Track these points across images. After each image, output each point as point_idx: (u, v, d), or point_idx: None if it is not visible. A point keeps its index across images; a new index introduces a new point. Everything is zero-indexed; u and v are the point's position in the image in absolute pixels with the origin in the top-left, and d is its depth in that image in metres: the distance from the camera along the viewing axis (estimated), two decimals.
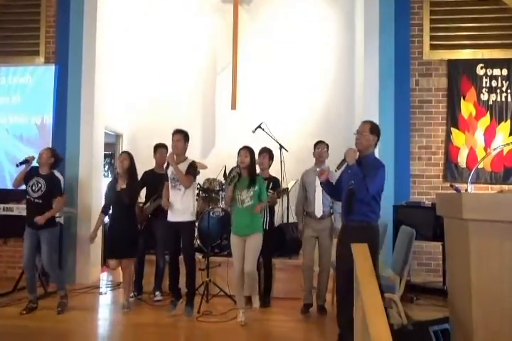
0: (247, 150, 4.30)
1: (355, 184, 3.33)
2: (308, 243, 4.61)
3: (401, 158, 5.32)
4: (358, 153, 3.43)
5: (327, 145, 4.71)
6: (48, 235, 4.48)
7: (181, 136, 4.39)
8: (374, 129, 3.48)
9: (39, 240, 4.47)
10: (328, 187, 3.74)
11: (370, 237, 3.31)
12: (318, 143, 4.71)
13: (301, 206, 4.74)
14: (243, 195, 4.24)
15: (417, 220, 4.31)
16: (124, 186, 4.54)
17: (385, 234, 4.41)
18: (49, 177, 4.57)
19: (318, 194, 4.57)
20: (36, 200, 4.47)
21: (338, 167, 3.50)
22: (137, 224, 4.76)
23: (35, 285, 4.63)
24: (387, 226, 4.47)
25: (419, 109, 5.47)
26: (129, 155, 4.68)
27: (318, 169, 4.61)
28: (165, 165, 4.55)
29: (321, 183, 3.75)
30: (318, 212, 4.58)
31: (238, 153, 4.30)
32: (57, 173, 5.18)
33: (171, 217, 4.39)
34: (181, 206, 4.34)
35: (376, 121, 5.28)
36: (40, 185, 4.49)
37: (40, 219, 4.39)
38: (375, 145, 3.52)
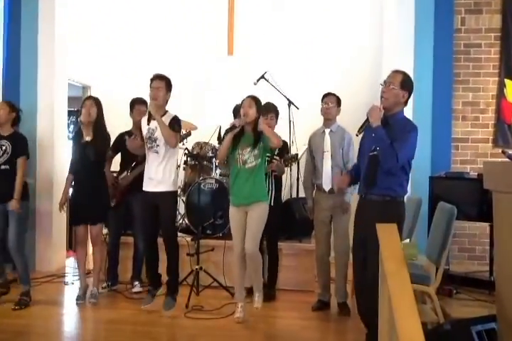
0: (253, 99, 4.20)
1: (380, 150, 3.28)
2: (320, 225, 4.60)
3: (440, 117, 5.28)
4: (382, 112, 3.35)
5: (337, 99, 4.62)
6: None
7: (162, 83, 4.28)
8: (406, 83, 3.40)
9: (7, 216, 4.51)
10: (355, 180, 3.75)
11: (393, 215, 3.30)
12: (326, 96, 4.63)
13: (309, 177, 4.71)
14: (245, 154, 4.17)
15: (459, 195, 4.30)
16: (88, 138, 4.52)
17: (418, 211, 4.40)
18: (14, 137, 4.59)
19: (327, 161, 4.54)
20: (3, 166, 4.49)
21: (360, 131, 3.46)
22: (107, 185, 4.79)
23: (4, 268, 4.77)
24: (421, 202, 4.46)
25: (465, 55, 5.39)
26: (95, 101, 4.65)
27: (324, 129, 4.61)
28: (144, 119, 4.46)
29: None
30: (327, 183, 4.54)
31: (241, 104, 4.22)
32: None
33: (147, 187, 4.35)
34: (159, 173, 4.29)
35: (410, 70, 5.32)
36: (4, 148, 4.51)
37: (14, 205, 4.43)
38: (405, 103, 3.46)
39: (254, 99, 4.21)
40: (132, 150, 4.59)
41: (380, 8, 6.47)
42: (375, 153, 3.35)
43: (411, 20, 5.28)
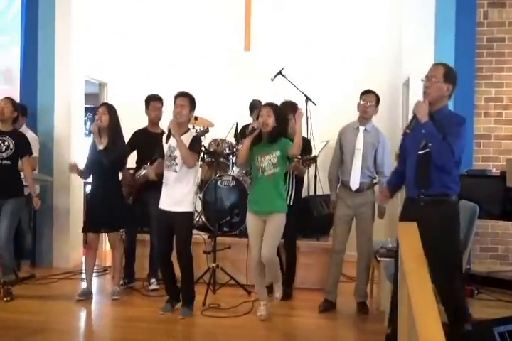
0: (271, 108, 4.12)
1: (433, 146, 3.14)
2: (341, 221, 4.52)
3: (462, 113, 4.96)
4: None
5: (377, 98, 4.49)
6: (13, 206, 4.57)
7: (186, 101, 4.21)
8: (449, 75, 3.27)
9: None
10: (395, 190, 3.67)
11: (452, 216, 3.20)
12: (365, 93, 4.49)
13: (335, 171, 4.61)
14: (264, 162, 4.15)
15: (481, 193, 4.25)
16: (101, 147, 4.55)
17: None
18: (15, 135, 4.67)
19: (357, 159, 4.43)
20: (5, 161, 4.55)
21: (409, 127, 3.29)
22: (122, 192, 4.81)
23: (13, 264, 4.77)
24: None
25: (488, 49, 5.29)
26: (109, 108, 4.66)
27: (359, 126, 4.51)
28: (164, 136, 4.44)
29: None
30: (354, 183, 4.44)
31: (258, 113, 4.18)
32: (30, 133, 5.24)
33: (164, 205, 4.29)
34: (177, 193, 4.21)
35: (429, 66, 5.26)
36: (7, 143, 4.57)
37: (37, 202, 4.64)
38: (450, 96, 3.34)
39: (273, 108, 4.14)
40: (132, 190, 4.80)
41: (399, 2, 6.42)
42: (427, 150, 3.19)
43: (431, 14, 5.20)
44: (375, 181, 4.54)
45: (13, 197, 4.57)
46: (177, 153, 4.17)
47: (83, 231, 4.77)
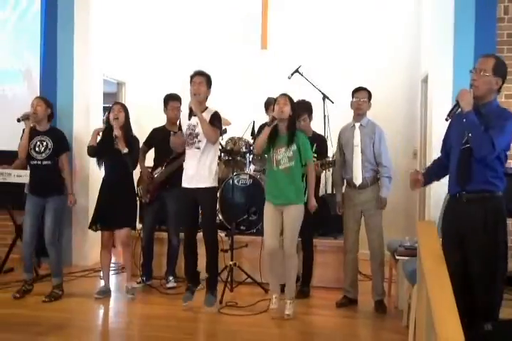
0: (287, 97, 4.24)
1: (473, 137, 2.99)
2: (350, 221, 4.55)
3: None
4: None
5: (368, 94, 4.55)
6: (56, 204, 4.66)
7: (203, 79, 4.33)
8: (499, 68, 3.10)
9: (44, 211, 4.64)
10: (432, 178, 3.46)
11: (496, 213, 3.03)
12: (357, 91, 4.56)
13: (339, 172, 4.68)
14: (279, 154, 4.20)
15: (505, 191, 4.14)
16: (126, 150, 4.54)
17: None
18: (52, 133, 4.73)
19: (357, 155, 4.47)
20: (45, 162, 4.62)
21: (450, 115, 3.13)
22: (134, 190, 4.84)
23: (33, 264, 4.83)
24: None
25: (509, 45, 5.20)
26: (123, 107, 4.71)
27: (355, 124, 4.55)
28: (181, 117, 4.48)
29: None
30: (357, 178, 4.47)
31: (275, 101, 4.25)
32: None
33: (187, 183, 4.36)
34: (200, 169, 4.30)
35: (450, 62, 5.23)
36: (45, 143, 4.63)
37: (73, 200, 4.84)
38: (499, 90, 3.16)
39: (289, 97, 4.24)
40: (174, 148, 4.60)
41: None
42: (468, 145, 3.06)
43: (450, 10, 5.15)
44: (378, 176, 4.53)
45: (55, 195, 4.65)
46: (198, 130, 4.28)
47: (90, 227, 4.74)
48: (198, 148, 4.30)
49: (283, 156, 4.19)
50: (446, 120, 3.17)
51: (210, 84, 4.39)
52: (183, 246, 4.52)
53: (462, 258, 3.06)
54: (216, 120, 4.33)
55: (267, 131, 4.18)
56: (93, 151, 4.67)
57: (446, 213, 3.33)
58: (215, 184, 4.39)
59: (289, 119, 4.21)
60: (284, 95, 4.25)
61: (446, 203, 3.38)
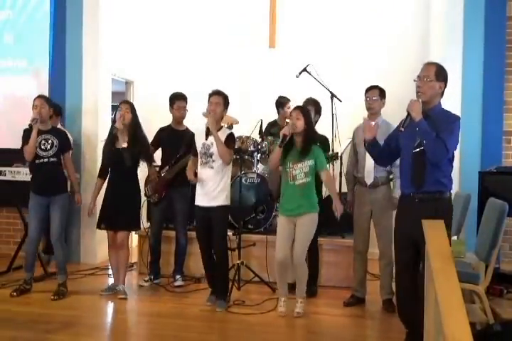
0: (300, 111, 4.23)
1: (427, 144, 3.21)
2: (360, 220, 4.56)
3: (491, 109, 5.11)
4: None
5: (381, 92, 4.54)
6: (62, 202, 4.67)
7: (221, 99, 4.35)
8: (440, 73, 3.34)
9: (49, 209, 4.65)
10: (374, 148, 3.59)
11: (445, 212, 3.25)
12: (369, 90, 4.56)
13: (351, 171, 4.70)
14: (296, 170, 4.22)
15: (510, 191, 4.15)
16: (125, 145, 4.56)
17: (467, 207, 4.30)
18: (55, 132, 4.76)
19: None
20: (52, 159, 4.65)
21: (403, 125, 3.34)
22: (140, 192, 4.80)
23: (35, 263, 4.82)
24: (470, 198, 4.35)
25: None
26: (131, 106, 4.69)
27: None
28: (203, 134, 4.46)
29: (364, 143, 3.58)
30: (369, 177, 4.48)
31: (284, 105, 4.24)
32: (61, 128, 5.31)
33: (200, 201, 4.38)
34: (214, 187, 4.31)
35: (459, 61, 5.20)
36: (50, 141, 4.65)
37: (79, 198, 4.91)
38: (442, 94, 3.39)
39: (302, 110, 4.25)
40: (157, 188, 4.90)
41: None
42: (421, 148, 3.26)
43: (460, 8, 5.13)
44: (390, 177, 4.52)
45: (61, 193, 4.67)
46: (213, 149, 4.29)
47: (97, 227, 4.74)
48: (212, 168, 4.32)
49: (300, 172, 4.20)
50: (400, 131, 3.39)
51: (227, 104, 4.41)
52: (203, 261, 4.52)
53: (412, 258, 3.33)
54: (231, 141, 4.36)
55: (278, 151, 4.20)
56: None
57: (399, 213, 3.53)
58: (227, 202, 4.41)
59: (305, 132, 4.21)
60: (297, 108, 4.27)
61: (399, 203, 3.55)
